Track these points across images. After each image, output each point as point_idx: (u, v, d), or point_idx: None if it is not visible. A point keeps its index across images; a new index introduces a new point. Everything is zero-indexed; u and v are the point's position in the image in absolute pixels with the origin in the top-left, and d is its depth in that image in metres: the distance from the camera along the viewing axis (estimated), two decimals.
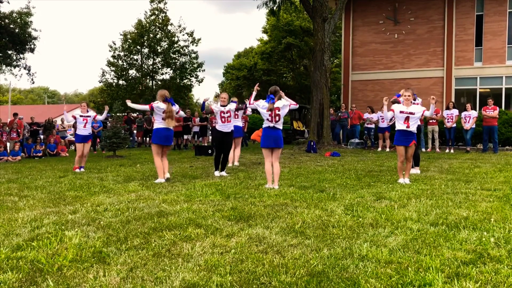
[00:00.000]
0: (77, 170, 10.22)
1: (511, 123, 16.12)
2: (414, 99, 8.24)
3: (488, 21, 20.32)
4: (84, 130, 10.48)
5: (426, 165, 10.53)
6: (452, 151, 14.95)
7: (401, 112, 7.64)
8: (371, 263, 3.34)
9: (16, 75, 25.91)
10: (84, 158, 10.56)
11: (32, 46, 24.77)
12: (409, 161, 7.76)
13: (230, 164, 10.62)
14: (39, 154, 16.06)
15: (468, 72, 20.79)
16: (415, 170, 9.01)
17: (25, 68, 25.52)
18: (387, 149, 16.06)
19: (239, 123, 10.69)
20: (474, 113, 15.03)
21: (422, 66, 21.58)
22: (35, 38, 24.72)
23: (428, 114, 7.96)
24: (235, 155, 10.94)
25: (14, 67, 25.23)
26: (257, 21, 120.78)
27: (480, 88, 20.71)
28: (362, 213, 5.03)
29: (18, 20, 23.69)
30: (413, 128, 7.62)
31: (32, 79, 26.11)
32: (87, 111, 10.64)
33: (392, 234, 4.15)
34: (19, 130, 16.73)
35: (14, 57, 24.80)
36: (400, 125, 7.68)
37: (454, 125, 15.09)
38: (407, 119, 7.59)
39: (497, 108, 14.88)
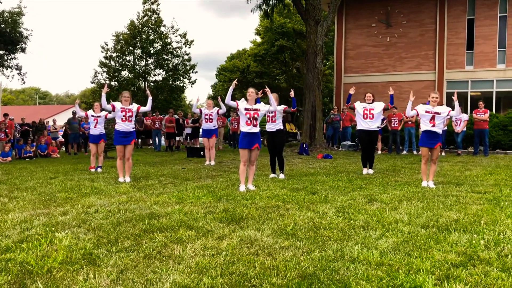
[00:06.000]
0: (93, 170, 10.38)
1: (501, 126, 16.24)
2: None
3: (479, 25, 20.50)
4: (95, 130, 10.68)
5: (417, 168, 10.58)
6: (443, 154, 15.03)
7: (426, 111, 7.58)
8: (362, 265, 3.35)
9: (8, 76, 25.72)
10: (100, 157, 10.71)
11: (23, 46, 24.62)
12: (434, 163, 7.58)
13: (207, 162, 11.94)
14: (30, 155, 15.94)
15: (460, 75, 20.95)
16: (369, 171, 9.50)
17: (16, 69, 25.34)
18: (379, 152, 16.12)
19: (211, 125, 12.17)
20: (465, 116, 15.14)
21: (414, 69, 21.70)
22: (26, 38, 24.56)
23: (454, 113, 7.77)
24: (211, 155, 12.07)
25: (7, 68, 25.04)
26: (252, 25, 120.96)
27: (471, 92, 20.87)
28: (353, 215, 5.04)
29: (9, 20, 23.52)
30: (438, 128, 7.54)
31: (22, 79, 25.92)
32: (100, 111, 10.78)
33: (383, 236, 4.16)
34: (7, 130, 16.58)
35: (5, 57, 24.61)
36: (425, 125, 7.61)
37: (446, 128, 15.17)
38: (432, 118, 7.53)
39: (488, 111, 15.00)
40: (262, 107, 7.28)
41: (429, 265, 3.34)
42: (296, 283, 3.02)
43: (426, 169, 7.62)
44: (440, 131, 7.62)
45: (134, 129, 8.72)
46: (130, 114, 8.50)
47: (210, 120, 12.08)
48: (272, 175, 9.04)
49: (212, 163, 11.89)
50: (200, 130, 21.80)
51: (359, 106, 9.59)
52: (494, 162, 11.84)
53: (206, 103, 12.57)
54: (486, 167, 10.48)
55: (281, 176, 8.84)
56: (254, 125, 7.14)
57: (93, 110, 10.79)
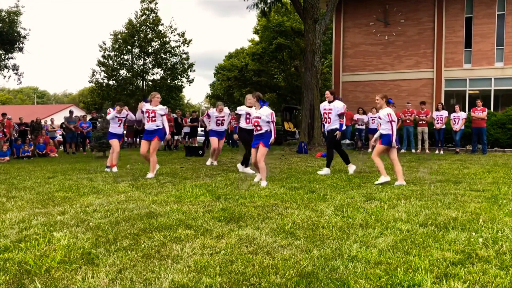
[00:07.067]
0: (114, 168, 10.15)
1: (499, 124, 16.27)
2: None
3: (477, 24, 20.51)
4: (119, 129, 10.68)
5: (415, 166, 10.60)
6: (441, 152, 15.06)
7: (378, 117, 7.97)
8: (361, 264, 3.35)
9: (5, 77, 25.50)
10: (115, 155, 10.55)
11: (21, 45, 24.54)
12: (394, 164, 7.66)
13: (209, 162, 11.52)
14: (28, 155, 15.91)
15: (458, 73, 20.96)
16: (352, 168, 9.33)
17: (13, 69, 25.28)
18: None
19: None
20: (463, 115, 15.16)
21: (412, 68, 21.71)
22: (24, 37, 24.48)
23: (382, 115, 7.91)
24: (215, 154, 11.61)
25: (3, 68, 24.97)
26: (251, 24, 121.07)
27: (469, 90, 20.88)
28: (352, 214, 5.04)
29: (7, 19, 23.44)
30: (383, 130, 7.69)
31: (19, 79, 25.87)
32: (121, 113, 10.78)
33: (381, 234, 4.17)
34: (5, 130, 16.54)
35: (3, 57, 24.54)
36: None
37: (444, 126, 15.20)
38: (380, 123, 7.87)
39: (486, 109, 15.03)
40: (264, 116, 7.70)
41: (427, 263, 3.34)
42: (295, 281, 3.02)
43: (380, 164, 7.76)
44: (385, 132, 7.64)
45: (159, 127, 9.15)
46: (153, 115, 9.09)
47: (222, 124, 11.40)
48: (247, 169, 9.68)
49: (215, 163, 11.50)
50: (198, 129, 21.83)
51: (321, 107, 9.54)
52: (492, 160, 11.86)
53: (217, 107, 11.52)
54: (484, 165, 10.50)
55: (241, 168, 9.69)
56: (258, 130, 7.79)
57: (117, 112, 10.64)
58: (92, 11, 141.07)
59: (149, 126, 9.13)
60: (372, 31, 22.47)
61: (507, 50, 20.05)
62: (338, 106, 9.20)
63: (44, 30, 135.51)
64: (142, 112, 9.21)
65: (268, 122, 7.72)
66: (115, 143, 10.46)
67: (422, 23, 21.53)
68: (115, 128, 10.62)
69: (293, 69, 35.32)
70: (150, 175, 8.90)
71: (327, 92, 9.42)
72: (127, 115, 10.85)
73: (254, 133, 7.89)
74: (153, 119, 9.08)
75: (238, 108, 10.00)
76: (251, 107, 9.37)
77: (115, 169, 10.13)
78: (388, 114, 7.63)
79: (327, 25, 18.52)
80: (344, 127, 9.42)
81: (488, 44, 20.34)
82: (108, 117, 10.56)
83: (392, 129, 7.56)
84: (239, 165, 10.01)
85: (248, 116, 9.55)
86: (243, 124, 9.73)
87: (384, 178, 7.59)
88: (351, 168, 9.26)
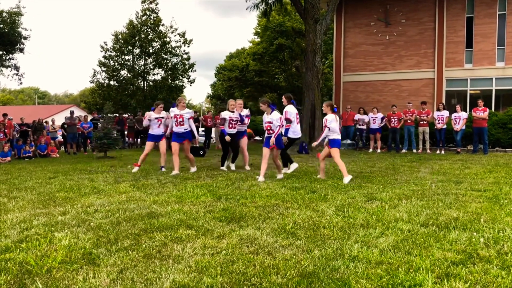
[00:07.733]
0: (136, 168, 10.25)
1: (501, 124, 16.24)
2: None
3: (478, 23, 20.48)
4: (158, 129, 10.30)
5: (417, 166, 10.59)
6: (442, 152, 15.04)
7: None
8: (362, 264, 3.35)
9: (7, 76, 25.41)
10: (164, 156, 10.34)
11: (22, 46, 24.54)
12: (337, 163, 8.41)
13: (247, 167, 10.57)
14: (29, 155, 15.93)
15: (459, 73, 20.93)
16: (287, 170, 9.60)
17: (15, 69, 25.30)
18: (378, 150, 16.14)
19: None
20: (464, 115, 15.14)
21: (413, 68, 21.69)
22: (25, 38, 24.49)
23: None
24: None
25: (6, 68, 25.00)
26: (251, 24, 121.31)
27: (470, 90, 20.86)
28: (353, 214, 5.04)
29: (8, 20, 23.45)
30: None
31: (19, 79, 25.88)
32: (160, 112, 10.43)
33: (382, 234, 4.16)
34: (6, 131, 16.55)
35: (4, 58, 24.55)
36: None
37: (445, 126, 15.19)
38: None
39: (487, 109, 15.01)
40: (274, 121, 8.33)
41: (428, 263, 3.34)
42: (296, 281, 3.02)
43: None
44: (331, 137, 8.53)
45: (187, 130, 9.76)
46: (181, 119, 9.68)
47: (239, 123, 10.24)
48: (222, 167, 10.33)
49: (247, 167, 10.38)
50: (199, 129, 21.80)
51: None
52: (493, 160, 11.84)
53: (237, 103, 10.26)
54: (485, 165, 10.48)
55: (232, 166, 10.25)
56: (270, 133, 8.40)
57: (155, 112, 10.31)
58: (93, 11, 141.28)
59: (177, 129, 9.72)
60: (373, 31, 22.45)
61: (508, 50, 20.02)
62: (285, 111, 9.27)
63: (45, 31, 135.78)
64: (149, 120, 10.08)
65: (277, 126, 8.34)
66: (157, 145, 10.48)
67: (423, 23, 21.51)
68: (155, 129, 10.28)
69: (294, 69, 35.28)
70: (193, 169, 9.91)
71: (283, 97, 9.70)
72: (168, 115, 10.38)
73: (266, 135, 8.51)
74: (181, 123, 9.67)
75: (222, 113, 10.22)
76: (233, 111, 10.04)
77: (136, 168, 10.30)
78: (324, 119, 8.45)
79: (328, 25, 18.49)
80: (297, 135, 9.52)
81: (489, 44, 20.32)
82: (151, 118, 10.16)
83: (323, 132, 8.60)
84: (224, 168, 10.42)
85: (231, 121, 10.03)
86: (227, 128, 10.08)
87: (346, 178, 7.91)
88: (290, 169, 9.59)
